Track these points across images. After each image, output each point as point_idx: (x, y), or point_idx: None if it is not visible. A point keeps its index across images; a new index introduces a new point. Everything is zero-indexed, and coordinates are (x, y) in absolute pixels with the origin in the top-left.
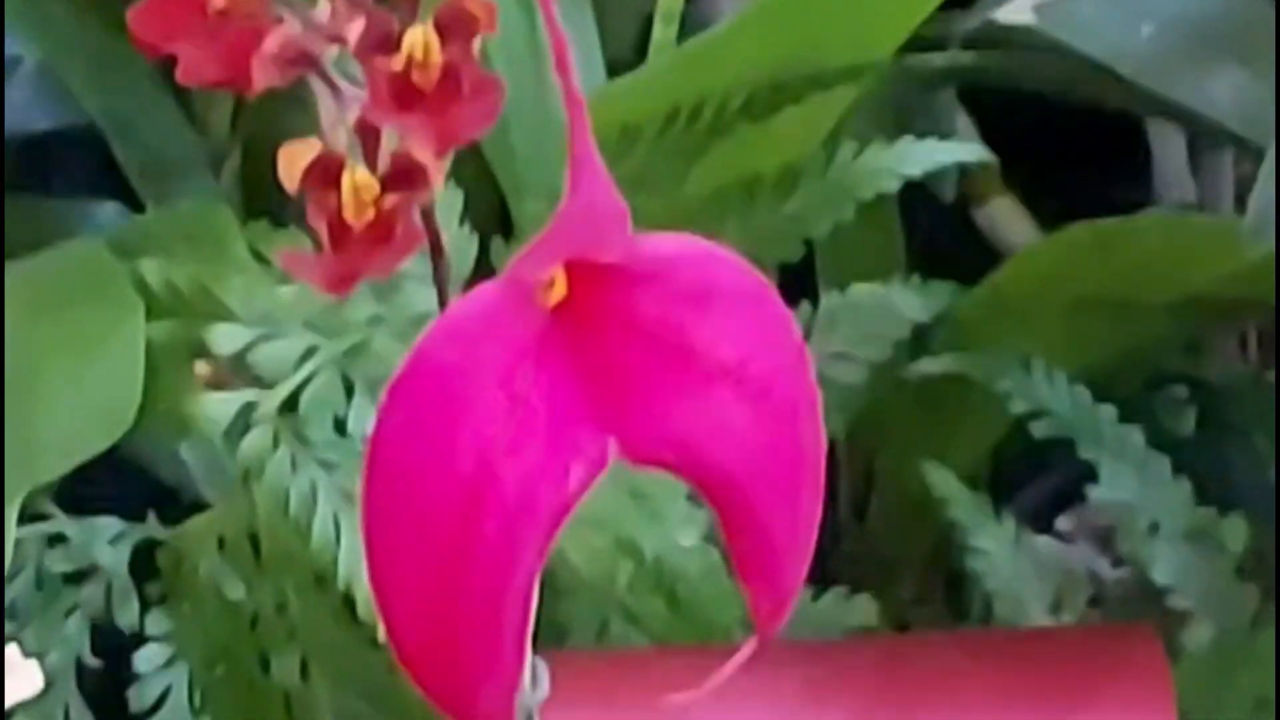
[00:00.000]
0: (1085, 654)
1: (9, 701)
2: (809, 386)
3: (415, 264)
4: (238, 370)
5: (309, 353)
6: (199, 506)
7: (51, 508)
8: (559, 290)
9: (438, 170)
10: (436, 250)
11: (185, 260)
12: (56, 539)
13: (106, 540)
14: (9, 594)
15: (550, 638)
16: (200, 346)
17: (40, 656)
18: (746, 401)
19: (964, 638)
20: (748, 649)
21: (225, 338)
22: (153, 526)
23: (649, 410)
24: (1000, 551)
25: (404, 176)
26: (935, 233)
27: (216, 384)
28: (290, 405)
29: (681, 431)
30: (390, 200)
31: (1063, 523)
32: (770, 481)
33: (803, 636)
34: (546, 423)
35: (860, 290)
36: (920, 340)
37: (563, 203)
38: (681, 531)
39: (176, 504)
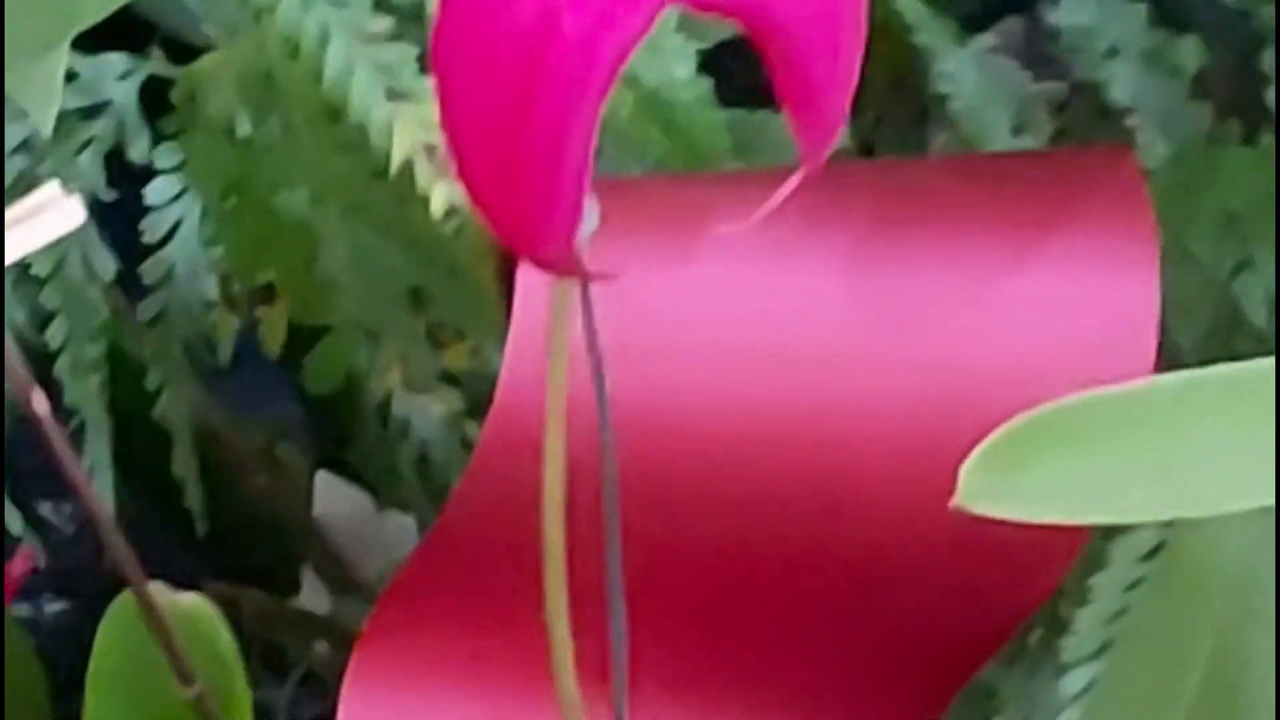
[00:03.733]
0: (1068, 173)
1: (54, 235)
2: None
3: None
4: None
5: None
6: (201, 50)
7: None
8: None
9: None
10: None
11: None
12: (68, 76)
13: (115, 76)
14: (26, 130)
15: None
16: None
17: None
18: None
19: (953, 161)
20: (796, 177)
21: None
22: (159, 63)
23: None
24: (965, 74)
25: None
26: None
27: None
28: None
29: None
30: None
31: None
32: (814, 20)
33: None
34: None
35: None
36: None
37: None
38: (677, 63)
39: (178, 47)
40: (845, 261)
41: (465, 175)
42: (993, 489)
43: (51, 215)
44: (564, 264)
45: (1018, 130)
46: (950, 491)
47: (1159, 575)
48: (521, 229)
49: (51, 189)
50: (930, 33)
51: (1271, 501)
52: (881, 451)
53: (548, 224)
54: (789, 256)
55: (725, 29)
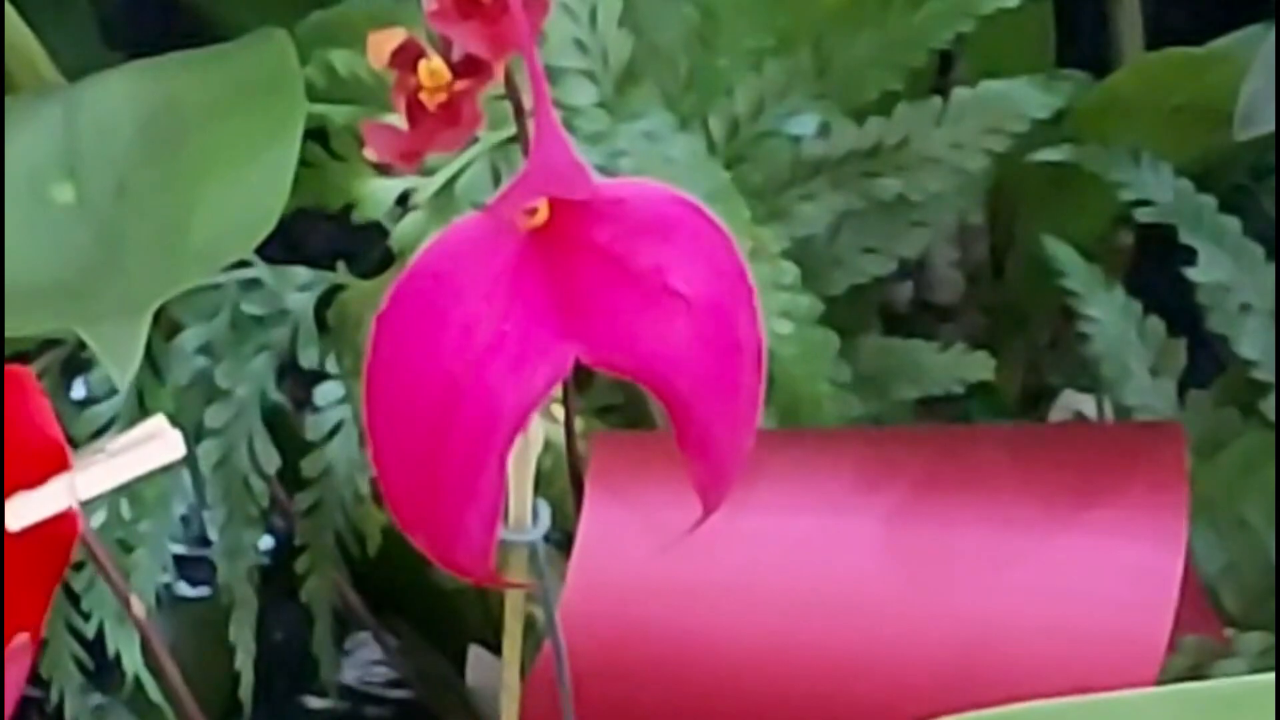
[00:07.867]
0: (1115, 447)
1: (154, 465)
2: (748, 303)
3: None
4: None
5: (469, 142)
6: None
7: (251, 255)
8: (541, 216)
9: (499, 66)
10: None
11: None
12: (253, 284)
13: (296, 287)
14: (208, 334)
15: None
16: None
17: (230, 391)
18: (691, 318)
19: (1009, 432)
20: (696, 523)
21: None
22: (341, 275)
23: (608, 324)
24: (1108, 318)
25: (471, 68)
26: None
27: (383, 169)
28: (445, 191)
29: (635, 343)
30: (460, 86)
31: None
32: (710, 384)
33: (924, 388)
34: (519, 330)
35: (988, 87)
36: (1047, 126)
37: (527, 159)
38: (777, 322)
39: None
40: (888, 518)
41: (387, 491)
42: None
43: (155, 446)
44: (478, 573)
45: (1155, 373)
46: None
47: None
48: (438, 544)
49: (158, 421)
50: (1079, 278)
51: None
52: (898, 694)
53: (462, 542)
54: (837, 511)
55: None
